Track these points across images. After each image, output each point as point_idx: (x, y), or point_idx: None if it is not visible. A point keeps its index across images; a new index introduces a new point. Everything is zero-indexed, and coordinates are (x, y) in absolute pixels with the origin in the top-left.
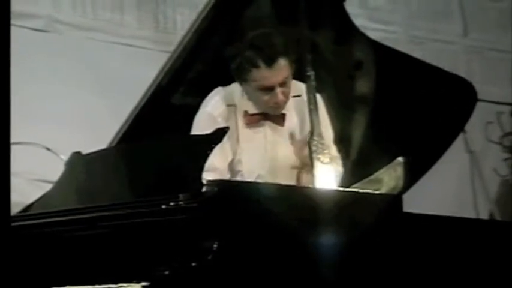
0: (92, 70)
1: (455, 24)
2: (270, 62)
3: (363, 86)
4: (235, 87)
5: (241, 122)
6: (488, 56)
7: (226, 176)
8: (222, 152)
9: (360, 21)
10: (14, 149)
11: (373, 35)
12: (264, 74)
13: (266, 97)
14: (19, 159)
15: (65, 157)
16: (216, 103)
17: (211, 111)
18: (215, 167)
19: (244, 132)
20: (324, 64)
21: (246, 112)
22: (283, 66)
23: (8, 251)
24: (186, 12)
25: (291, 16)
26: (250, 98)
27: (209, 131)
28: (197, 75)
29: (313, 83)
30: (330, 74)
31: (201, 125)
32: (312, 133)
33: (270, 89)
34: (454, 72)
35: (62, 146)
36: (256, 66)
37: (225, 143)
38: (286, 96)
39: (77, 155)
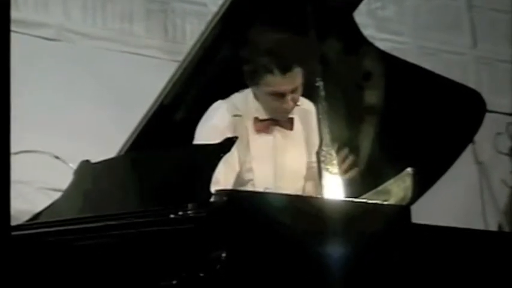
0: (101, 79)
1: (464, 35)
2: (285, 69)
3: (372, 96)
4: (237, 98)
5: (251, 129)
6: (497, 67)
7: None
8: (226, 165)
9: (369, 31)
10: (23, 158)
11: (382, 45)
12: (277, 81)
13: (276, 103)
14: (28, 168)
15: (74, 166)
16: (222, 115)
17: (218, 124)
18: (217, 181)
19: (254, 139)
20: (332, 74)
21: (256, 119)
22: (296, 74)
23: (10, 259)
24: (195, 22)
25: (300, 26)
26: (259, 100)
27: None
28: (207, 86)
29: (322, 94)
30: (339, 84)
31: (207, 138)
32: (320, 143)
33: (281, 96)
34: (464, 83)
35: (71, 154)
36: (271, 72)
37: (233, 154)
38: (295, 102)
39: (86, 163)
